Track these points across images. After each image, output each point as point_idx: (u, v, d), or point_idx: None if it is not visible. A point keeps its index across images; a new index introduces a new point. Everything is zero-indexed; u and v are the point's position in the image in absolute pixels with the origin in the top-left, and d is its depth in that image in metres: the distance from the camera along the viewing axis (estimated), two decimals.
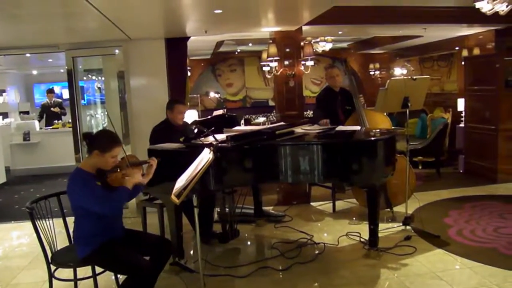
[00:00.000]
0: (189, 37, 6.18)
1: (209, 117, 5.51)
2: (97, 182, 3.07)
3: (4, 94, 11.75)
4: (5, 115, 11.63)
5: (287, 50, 6.24)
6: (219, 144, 3.56)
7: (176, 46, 6.16)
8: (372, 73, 12.64)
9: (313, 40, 8.88)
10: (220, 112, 5.85)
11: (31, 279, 4.19)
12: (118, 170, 3.17)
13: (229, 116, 5.33)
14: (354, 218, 5.48)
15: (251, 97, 12.97)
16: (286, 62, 6.28)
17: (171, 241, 4.09)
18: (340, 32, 8.11)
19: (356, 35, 9.98)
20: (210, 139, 3.95)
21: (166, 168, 3.58)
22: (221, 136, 3.96)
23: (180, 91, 6.17)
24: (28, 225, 3.26)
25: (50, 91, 10.27)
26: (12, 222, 6.17)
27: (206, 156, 3.29)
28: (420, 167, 7.98)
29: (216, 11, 4.45)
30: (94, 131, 6.88)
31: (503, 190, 6.54)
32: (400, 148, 5.42)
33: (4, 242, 5.40)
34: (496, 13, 4.63)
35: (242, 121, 10.10)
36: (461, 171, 7.84)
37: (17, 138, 9.87)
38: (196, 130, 4.23)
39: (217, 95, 12.23)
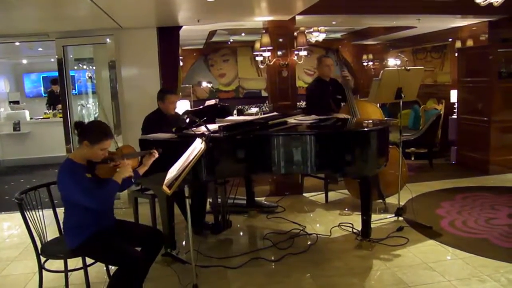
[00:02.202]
0: (181, 26, 6.10)
1: (201, 107, 5.45)
2: (87, 174, 3.02)
3: None
4: None
5: (280, 40, 6.18)
6: (211, 134, 3.51)
7: (168, 35, 6.08)
8: (365, 63, 12.61)
9: (306, 31, 8.83)
10: (212, 102, 5.79)
11: (21, 270, 4.15)
12: (109, 162, 3.13)
13: (221, 106, 5.28)
14: (346, 209, 5.47)
15: (244, 87, 12.90)
16: (279, 52, 6.22)
17: (163, 232, 4.07)
18: (333, 22, 8.06)
19: (350, 26, 9.93)
20: (202, 129, 3.91)
21: (158, 158, 3.53)
22: (213, 126, 3.92)
23: (172, 81, 6.11)
24: (18, 216, 3.21)
25: (55, 82, 10.08)
26: (3, 213, 6.11)
27: (198, 146, 3.26)
28: (412, 158, 8.00)
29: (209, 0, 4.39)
30: (86, 121, 6.84)
31: (495, 181, 6.56)
32: (393, 139, 5.42)
33: None
34: (490, 4, 4.61)
35: (235, 112, 10.07)
36: (453, 162, 7.86)
37: (7, 128, 9.75)
38: (188, 120, 4.18)
39: (209, 85, 12.16)
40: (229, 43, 12.03)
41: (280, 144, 3.82)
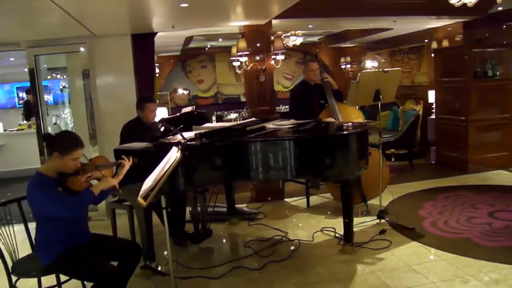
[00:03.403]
0: (156, 33, 6.00)
1: (177, 114, 5.36)
2: (58, 187, 2.91)
3: None
4: None
5: (257, 44, 6.14)
6: (187, 142, 3.43)
7: (143, 42, 5.98)
8: (343, 66, 12.65)
9: (283, 35, 8.81)
10: (189, 109, 5.71)
11: None
12: (81, 174, 3.02)
13: (198, 113, 5.19)
14: (329, 213, 5.43)
15: (223, 93, 12.82)
16: (256, 57, 6.17)
17: (142, 244, 3.96)
18: (310, 26, 8.05)
19: (327, 29, 9.95)
20: (178, 137, 3.82)
21: (134, 168, 3.43)
22: (189, 134, 3.83)
23: (149, 88, 6.01)
24: None
25: (30, 92, 9.85)
26: None
27: (173, 155, 3.17)
28: (393, 160, 8.01)
29: (183, 5, 4.30)
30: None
31: (474, 180, 6.61)
32: (373, 141, 5.39)
33: None
34: (464, 5, 4.63)
35: (214, 118, 9.99)
36: (433, 162, 7.90)
37: None
38: (162, 129, 4.08)
39: (185, 92, 12.03)
40: (206, 49, 11.95)
41: (258, 150, 3.74)
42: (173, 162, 3.11)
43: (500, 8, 6.84)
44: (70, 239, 2.95)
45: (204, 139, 3.66)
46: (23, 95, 11.53)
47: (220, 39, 9.81)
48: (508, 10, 7.08)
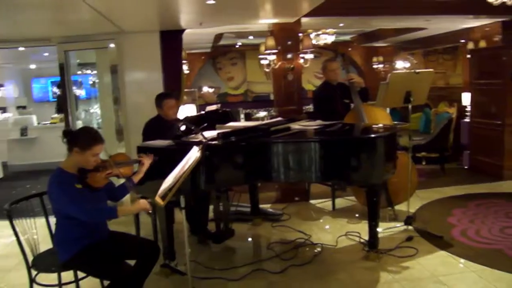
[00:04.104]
0: (184, 30, 5.98)
1: (202, 112, 5.32)
2: (77, 184, 2.90)
3: (2, 88, 11.62)
4: (3, 110, 11.52)
5: (286, 43, 6.04)
6: (209, 142, 3.37)
7: (171, 39, 5.98)
8: (375, 66, 12.40)
9: (314, 33, 8.68)
10: (213, 107, 5.66)
11: (17, 280, 4.03)
12: (101, 170, 3.01)
13: (223, 112, 5.14)
14: (354, 217, 5.30)
15: (253, 91, 12.77)
16: (285, 56, 6.07)
17: (162, 242, 3.95)
18: (341, 25, 7.89)
19: (358, 28, 9.75)
20: (201, 136, 3.77)
21: (155, 166, 3.42)
22: (212, 133, 3.78)
23: (175, 85, 6.00)
24: (21, 223, 3.12)
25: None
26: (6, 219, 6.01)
27: (193, 155, 3.12)
28: (423, 163, 7.77)
29: (209, 2, 4.25)
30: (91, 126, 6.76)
31: (509, 187, 6.34)
32: (403, 143, 5.23)
33: None
34: (503, 3, 4.43)
35: (242, 116, 9.95)
36: (465, 167, 7.63)
37: (15, 133, 9.75)
38: (183, 128, 4.04)
39: (210, 90, 12.00)
40: (237, 46, 11.90)
41: (281, 151, 3.66)
42: (192, 162, 3.06)
43: None
44: (88, 237, 2.95)
45: (226, 139, 3.60)
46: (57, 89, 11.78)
47: (251, 37, 9.74)
48: None
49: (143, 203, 3.00)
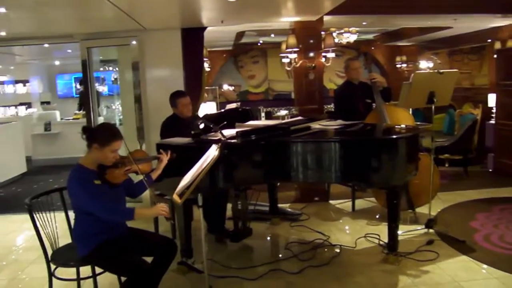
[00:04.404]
0: (206, 28, 5.98)
1: (222, 110, 5.31)
2: (96, 180, 2.92)
3: (27, 84, 11.83)
4: (28, 105, 11.73)
5: (307, 41, 5.98)
6: (228, 141, 3.36)
7: (192, 36, 5.98)
8: (398, 66, 12.22)
9: (337, 31, 8.60)
10: (233, 105, 5.64)
11: (38, 273, 4.09)
12: (120, 166, 3.03)
13: (242, 110, 5.11)
14: (374, 218, 5.22)
15: (274, 89, 12.73)
16: (306, 54, 6.02)
17: (180, 239, 3.95)
18: (364, 23, 7.79)
19: (382, 26, 9.62)
20: (219, 135, 3.76)
21: (173, 163, 3.42)
22: (231, 132, 3.76)
23: (196, 82, 6.00)
24: (41, 217, 3.17)
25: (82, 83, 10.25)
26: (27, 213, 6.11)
27: (212, 153, 3.10)
28: (446, 165, 7.62)
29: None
30: (112, 122, 6.82)
31: None
32: (426, 145, 5.13)
33: (17, 234, 5.35)
34: None
35: (263, 114, 9.92)
36: (490, 170, 7.45)
37: (39, 128, 9.91)
38: (202, 126, 4.04)
39: (231, 88, 11.98)
40: (258, 44, 11.88)
41: (300, 150, 3.62)
42: (211, 160, 3.05)
43: None
44: (106, 232, 2.97)
45: (245, 138, 3.58)
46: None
47: (273, 35, 9.71)
48: None
49: (161, 208, 2.98)
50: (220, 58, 12.18)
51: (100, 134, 2.95)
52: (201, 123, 3.93)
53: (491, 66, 8.82)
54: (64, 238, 3.33)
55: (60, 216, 3.32)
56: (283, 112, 10.18)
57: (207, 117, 4.32)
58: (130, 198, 3.31)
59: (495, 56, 7.83)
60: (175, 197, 2.91)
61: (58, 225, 3.33)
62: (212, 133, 3.85)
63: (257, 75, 12.64)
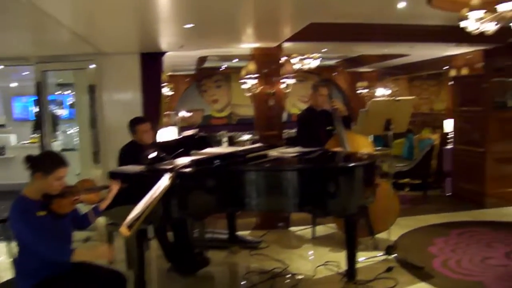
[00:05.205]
0: (165, 52, 5.92)
1: (178, 137, 5.24)
2: (40, 211, 2.77)
3: None
4: None
5: (267, 67, 6.00)
6: (181, 169, 3.27)
7: (151, 61, 5.93)
8: (360, 91, 12.42)
9: (299, 57, 8.67)
10: (190, 132, 5.55)
11: None
12: (66, 195, 2.89)
13: (199, 137, 5.04)
14: (335, 245, 5.16)
15: (237, 113, 12.71)
16: (268, 80, 6.02)
17: (134, 272, 3.78)
18: (324, 50, 7.89)
19: (342, 53, 9.79)
20: (177, 162, 3.66)
21: (126, 192, 3.30)
22: (186, 160, 3.67)
23: (155, 107, 5.91)
24: None
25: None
26: None
27: (163, 182, 3.00)
28: (407, 189, 7.72)
29: (187, 26, 4.20)
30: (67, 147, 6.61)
31: (492, 216, 6.27)
32: (386, 169, 5.16)
33: None
34: (483, 33, 4.42)
35: (226, 139, 9.86)
36: (448, 194, 7.58)
37: None
38: (153, 154, 3.92)
39: (187, 114, 11.79)
40: (221, 69, 11.88)
41: (255, 179, 3.55)
42: (162, 190, 2.95)
43: None
44: (48, 268, 2.79)
45: (198, 166, 3.49)
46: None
47: (236, 60, 9.72)
48: None
49: (103, 251, 2.82)
50: (183, 82, 12.11)
51: (43, 162, 2.82)
52: (152, 152, 3.82)
53: (448, 93, 9.08)
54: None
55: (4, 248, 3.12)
56: (246, 137, 10.14)
57: (161, 145, 4.22)
58: (78, 230, 3.16)
59: (451, 83, 8.06)
60: (123, 229, 2.78)
61: (3, 258, 3.13)
62: (167, 161, 3.74)
63: (220, 100, 12.61)
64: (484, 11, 4.25)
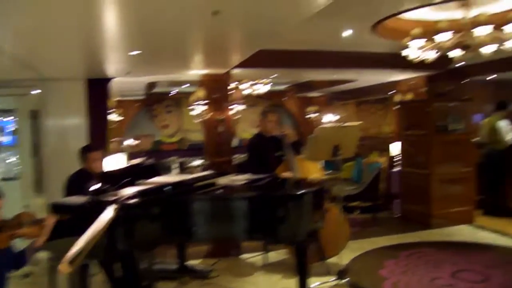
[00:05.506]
0: (111, 78, 5.81)
1: (125, 166, 5.10)
2: None
3: None
4: None
5: (216, 93, 5.99)
6: (125, 201, 3.16)
7: (97, 87, 5.82)
8: (310, 116, 12.63)
9: (250, 82, 8.73)
10: (137, 160, 5.42)
11: None
12: (3, 230, 2.73)
13: (146, 166, 4.92)
14: (288, 271, 5.11)
15: (188, 139, 12.60)
16: (217, 106, 6.01)
17: None
18: (273, 76, 7.99)
19: (292, 78, 9.95)
20: (122, 192, 3.54)
21: (68, 224, 3.14)
22: (131, 190, 3.55)
23: (101, 134, 5.76)
24: None
25: None
26: None
27: (107, 215, 2.89)
28: (358, 212, 7.83)
29: (132, 53, 4.13)
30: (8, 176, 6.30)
31: (438, 235, 6.45)
32: (336, 193, 5.21)
33: None
34: (424, 60, 4.62)
35: (177, 165, 9.71)
36: (397, 216, 7.74)
37: None
38: (96, 186, 3.79)
39: (134, 143, 11.51)
40: (170, 94, 11.78)
41: (202, 209, 3.48)
42: (105, 223, 2.82)
43: (458, 64, 6.94)
44: None
45: (144, 197, 3.39)
46: None
47: (188, 84, 9.67)
48: (466, 67, 7.20)
49: None
50: (133, 107, 11.92)
51: None
52: (95, 183, 3.68)
53: (394, 117, 9.38)
54: None
55: None
56: (197, 162, 10.01)
57: (109, 174, 4.08)
58: (15, 269, 2.97)
59: (396, 107, 8.33)
60: (63, 266, 2.63)
61: None
62: (112, 192, 3.61)
63: (171, 125, 12.49)
64: (425, 40, 4.46)
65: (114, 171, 4.93)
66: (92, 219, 2.93)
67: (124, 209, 3.12)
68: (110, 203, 3.06)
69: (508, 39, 4.31)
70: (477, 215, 7.14)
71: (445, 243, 6.07)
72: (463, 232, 6.58)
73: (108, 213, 2.91)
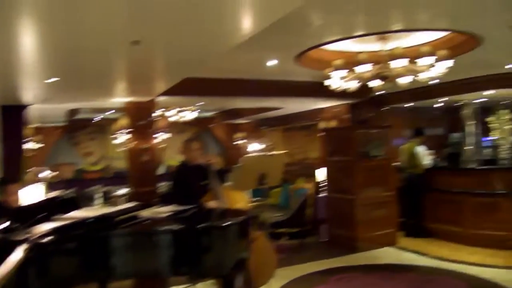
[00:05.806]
0: (27, 105, 5.49)
1: (41, 200, 4.79)
2: None
3: None
4: None
5: (140, 122, 5.83)
6: (38, 239, 2.94)
7: (12, 114, 5.47)
8: (237, 142, 12.67)
9: (177, 109, 8.62)
10: (54, 194, 5.12)
11: None
12: None
13: (64, 199, 4.65)
14: None
15: (113, 166, 12.16)
16: (141, 135, 5.84)
17: None
18: (200, 103, 7.96)
19: (218, 106, 9.97)
20: (35, 230, 3.28)
21: None
22: (46, 227, 3.31)
23: (16, 163, 5.38)
24: None
25: None
26: None
27: (16, 256, 2.65)
28: (286, 238, 7.84)
29: (49, 80, 3.93)
30: None
31: (364, 259, 6.58)
32: (264, 220, 5.18)
33: None
34: (346, 89, 4.79)
35: (101, 195, 9.31)
36: (323, 241, 7.83)
37: None
38: (6, 224, 3.51)
39: (50, 174, 10.84)
40: (93, 120, 11.36)
41: (122, 245, 3.31)
42: (14, 265, 2.59)
43: (378, 93, 7.28)
44: None
45: (59, 234, 3.17)
46: None
47: (113, 111, 9.37)
48: (386, 95, 7.56)
49: None
50: (53, 134, 11.36)
51: None
52: (5, 221, 3.39)
53: (319, 143, 9.60)
54: None
55: None
56: (122, 191, 9.65)
57: (23, 209, 3.80)
58: None
59: (321, 134, 8.54)
60: None
61: None
62: (23, 231, 3.35)
63: (95, 152, 12.02)
64: (346, 70, 4.64)
65: (28, 205, 4.61)
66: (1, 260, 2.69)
67: (36, 249, 2.88)
68: (21, 242, 2.82)
69: (422, 71, 4.59)
70: (400, 237, 7.41)
71: (371, 266, 6.21)
72: (387, 254, 6.78)
73: (18, 254, 2.68)
